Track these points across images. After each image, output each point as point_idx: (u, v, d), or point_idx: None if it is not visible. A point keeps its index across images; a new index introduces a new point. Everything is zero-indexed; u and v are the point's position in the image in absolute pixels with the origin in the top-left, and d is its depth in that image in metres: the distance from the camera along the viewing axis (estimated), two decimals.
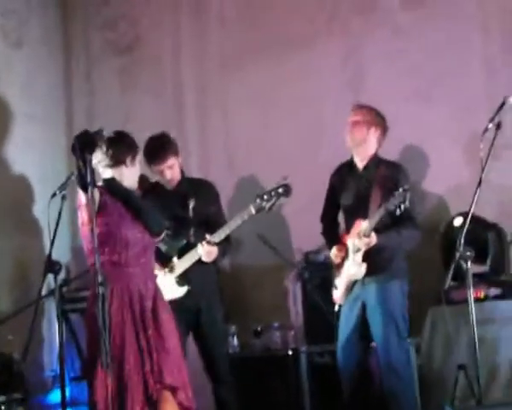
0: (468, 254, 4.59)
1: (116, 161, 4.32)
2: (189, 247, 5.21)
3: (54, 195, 5.01)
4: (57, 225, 4.88)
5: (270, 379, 5.76)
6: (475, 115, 5.53)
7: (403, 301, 5.07)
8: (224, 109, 6.81)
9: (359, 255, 4.97)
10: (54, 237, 4.91)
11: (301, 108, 6.44)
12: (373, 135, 5.19)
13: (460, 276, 4.81)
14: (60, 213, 4.86)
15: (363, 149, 5.21)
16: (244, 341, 5.99)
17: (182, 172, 5.42)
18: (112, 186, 4.30)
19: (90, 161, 3.90)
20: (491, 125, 4.69)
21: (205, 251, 5.11)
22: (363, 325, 5.08)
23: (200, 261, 5.18)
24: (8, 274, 6.30)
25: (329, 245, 5.31)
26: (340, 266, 5.14)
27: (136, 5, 7.12)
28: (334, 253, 5.17)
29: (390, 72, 6.24)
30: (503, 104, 4.73)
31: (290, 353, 5.78)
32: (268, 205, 5.06)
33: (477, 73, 6.01)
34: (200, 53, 6.93)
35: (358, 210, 5.06)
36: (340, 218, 5.43)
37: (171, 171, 5.27)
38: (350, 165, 5.28)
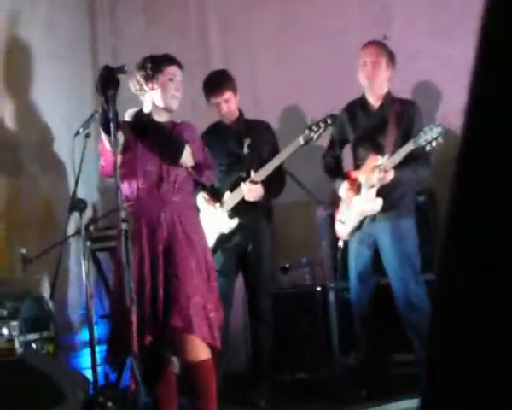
0: None
1: (140, 87, 4.22)
2: (241, 180, 5.26)
3: (77, 133, 5.05)
4: (81, 163, 4.92)
5: (299, 315, 5.77)
6: None
7: (416, 238, 5.06)
8: (249, 47, 6.76)
9: (373, 191, 4.93)
10: (78, 175, 4.97)
11: (325, 43, 6.36)
12: (386, 73, 5.15)
13: None
14: (83, 152, 4.89)
15: (378, 87, 5.17)
16: (273, 277, 5.94)
17: (240, 111, 5.50)
18: (133, 121, 4.21)
19: (113, 97, 3.83)
20: None
21: (247, 189, 5.13)
22: (374, 262, 5.10)
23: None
24: (36, 215, 6.27)
25: (335, 180, 5.30)
26: (348, 201, 5.12)
27: None
28: (345, 187, 5.13)
29: (418, 6, 6.14)
30: None
31: (318, 289, 5.76)
32: (316, 135, 5.06)
33: None
34: None
35: (372, 146, 5.06)
36: (344, 155, 5.45)
37: (227, 104, 5.34)
38: (362, 102, 5.24)
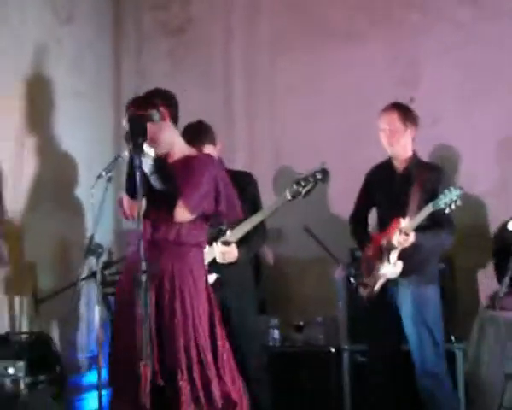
0: None
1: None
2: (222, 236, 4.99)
3: (100, 176, 4.94)
4: (101, 206, 4.81)
5: (311, 375, 5.68)
6: None
7: (439, 307, 4.99)
8: (272, 96, 6.75)
9: (395, 254, 4.85)
10: (97, 218, 4.86)
11: (349, 100, 6.35)
12: (407, 138, 5.06)
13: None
14: (104, 195, 4.76)
15: (401, 152, 5.07)
16: (286, 334, 5.92)
17: (221, 161, 5.13)
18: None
19: (141, 145, 3.74)
20: None
21: (218, 251, 4.84)
22: (395, 327, 4.99)
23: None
24: (50, 253, 6.22)
25: (360, 245, 5.25)
26: (369, 265, 5.04)
27: None
28: (369, 250, 5.09)
29: (444, 68, 6.13)
30: None
31: (333, 350, 5.71)
32: (304, 190, 4.79)
33: None
34: (250, 39, 6.87)
35: (396, 210, 4.92)
36: (371, 219, 5.35)
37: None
38: (387, 165, 5.15)
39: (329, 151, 5.98)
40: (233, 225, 4.81)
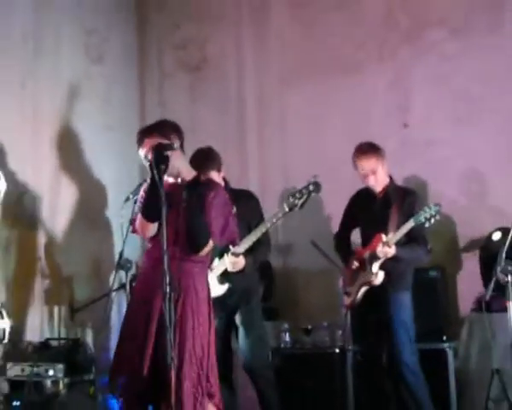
0: (510, 268, 4.57)
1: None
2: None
3: (127, 199, 5.04)
4: (129, 225, 4.73)
5: (318, 373, 5.67)
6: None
7: (412, 311, 5.00)
8: (281, 124, 6.76)
9: (377, 265, 4.91)
10: (126, 236, 4.86)
11: (350, 126, 6.33)
12: (384, 172, 5.13)
13: (499, 286, 4.75)
14: (132, 215, 4.82)
15: (379, 183, 5.12)
16: (296, 337, 5.92)
17: (225, 182, 5.17)
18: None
19: (163, 171, 3.73)
20: None
21: (229, 262, 4.87)
22: (376, 328, 5.04)
23: None
24: (84, 268, 6.30)
25: (344, 259, 5.29)
26: (353, 276, 5.09)
27: (204, 29, 7.06)
28: (353, 263, 5.13)
29: (435, 96, 6.14)
30: None
31: (337, 351, 5.71)
32: (300, 202, 4.80)
33: None
34: (260, 73, 6.89)
35: (377, 229, 4.97)
36: (354, 236, 5.36)
37: (217, 179, 5.03)
38: (369, 191, 5.17)
39: (337, 170, 6.01)
40: (240, 237, 4.78)
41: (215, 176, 4.98)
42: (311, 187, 4.80)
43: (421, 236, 4.94)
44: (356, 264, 5.11)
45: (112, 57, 6.89)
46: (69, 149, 6.31)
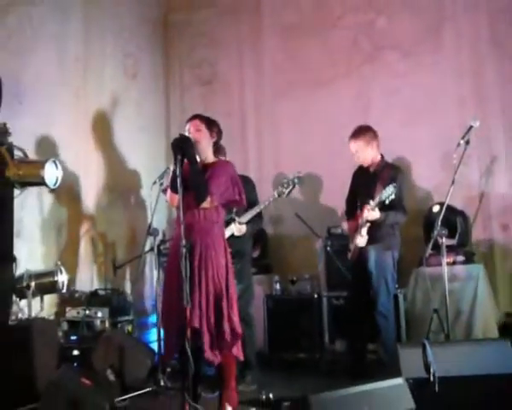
0: (444, 232, 4.57)
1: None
2: (232, 221, 5.00)
3: (154, 182, 5.07)
4: (156, 203, 4.95)
5: (301, 314, 5.69)
6: (449, 137, 5.36)
7: (392, 266, 4.88)
8: (274, 127, 6.74)
9: (365, 229, 4.82)
10: (154, 210, 4.99)
11: (326, 127, 6.33)
12: (373, 150, 4.98)
13: (436, 246, 4.84)
14: (158, 195, 4.91)
15: (370, 160, 5.01)
16: (284, 286, 5.90)
17: None
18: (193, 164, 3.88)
19: (181, 160, 3.72)
20: (462, 142, 4.63)
21: (236, 228, 4.91)
22: (364, 280, 4.94)
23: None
24: (124, 236, 6.34)
25: (347, 219, 5.20)
26: (353, 236, 5.01)
27: (214, 52, 7.04)
28: (345, 225, 5.12)
29: (389, 104, 6.16)
30: (470, 127, 4.68)
31: (316, 296, 5.72)
32: (287, 191, 4.83)
33: (452, 106, 5.90)
34: (257, 87, 6.86)
35: (368, 197, 4.89)
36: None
37: None
38: (365, 167, 5.08)
39: (316, 161, 6.10)
40: (240, 214, 4.88)
41: None
42: (295, 180, 4.82)
43: (399, 204, 4.81)
44: (354, 227, 5.01)
45: (143, 74, 6.88)
46: (111, 145, 6.32)
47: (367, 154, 4.98)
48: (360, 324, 4.99)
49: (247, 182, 5.16)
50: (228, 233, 4.91)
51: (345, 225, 5.15)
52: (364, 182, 5.02)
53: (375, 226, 4.82)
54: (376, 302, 4.85)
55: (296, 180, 4.83)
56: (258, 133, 6.76)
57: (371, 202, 4.75)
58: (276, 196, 4.86)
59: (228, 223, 4.92)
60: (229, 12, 6.96)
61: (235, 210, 4.92)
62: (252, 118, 6.84)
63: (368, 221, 4.80)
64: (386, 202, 4.65)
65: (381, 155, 5.04)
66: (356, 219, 5.01)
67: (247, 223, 4.93)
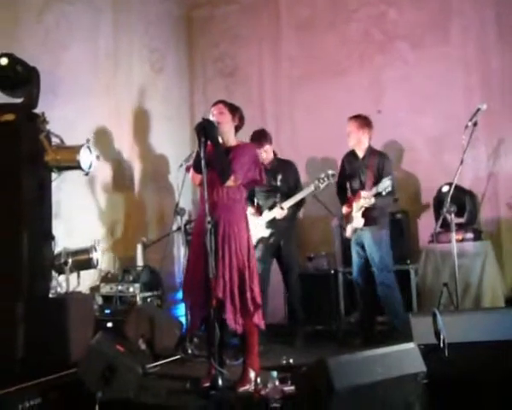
0: (452, 209, 4.57)
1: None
2: (275, 205, 5.13)
3: (181, 165, 5.11)
4: (182, 184, 4.99)
5: (318, 289, 5.70)
6: (456, 122, 5.33)
7: (388, 243, 4.95)
8: (291, 114, 6.70)
9: (360, 212, 4.90)
10: (180, 193, 5.03)
11: (340, 114, 6.03)
12: (364, 136, 5.02)
13: (446, 224, 4.87)
14: (184, 178, 4.94)
15: (360, 146, 5.06)
16: (303, 262, 5.86)
17: (275, 154, 5.33)
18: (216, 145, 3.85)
19: (205, 143, 3.71)
20: (470, 123, 4.61)
21: (278, 212, 5.05)
22: (365, 258, 5.01)
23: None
24: (153, 217, 6.38)
25: (341, 202, 5.20)
26: (347, 216, 5.05)
27: (235, 47, 7.03)
28: (344, 209, 5.11)
29: (400, 91, 6.11)
30: (478, 110, 4.65)
31: (332, 272, 5.74)
32: (322, 186, 5.00)
33: (459, 94, 5.83)
34: (275, 78, 6.83)
35: (358, 183, 5.00)
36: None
37: (266, 153, 5.20)
38: (353, 153, 5.14)
39: (330, 146, 6.01)
40: (283, 200, 5.05)
41: (268, 148, 5.19)
42: (330, 177, 4.99)
43: (390, 190, 4.83)
44: (347, 209, 5.06)
45: (169, 68, 6.90)
46: (141, 133, 6.36)
47: (358, 137, 5.03)
48: (367, 297, 5.04)
49: (290, 166, 5.35)
50: (271, 216, 5.08)
51: (344, 210, 5.15)
52: (354, 167, 5.08)
53: (369, 209, 4.87)
54: (378, 276, 4.90)
55: (330, 177, 4.99)
56: (276, 120, 6.71)
57: (367, 192, 4.82)
58: (313, 189, 5.02)
59: (271, 207, 5.10)
60: (249, 8, 6.94)
61: (278, 195, 5.09)
62: (270, 107, 6.80)
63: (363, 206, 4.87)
64: (383, 193, 4.76)
65: (369, 143, 5.07)
66: (349, 201, 5.06)
67: (289, 208, 5.07)
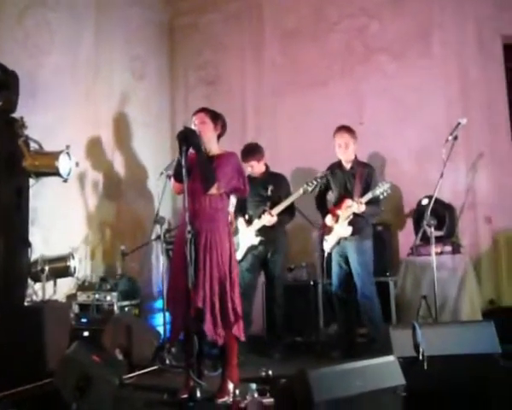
0: (432, 222, 4.58)
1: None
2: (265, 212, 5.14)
3: (161, 173, 5.06)
4: (163, 193, 4.93)
5: (298, 300, 5.69)
6: (437, 134, 5.37)
7: (371, 253, 4.96)
8: (273, 124, 6.70)
9: (347, 221, 4.89)
10: (160, 200, 4.98)
11: (322, 125, 6.18)
12: (352, 147, 5.03)
13: (425, 237, 4.86)
14: (164, 186, 4.89)
15: (348, 157, 5.05)
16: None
17: (266, 166, 5.37)
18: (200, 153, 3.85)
19: (186, 151, 3.68)
20: (450, 138, 4.63)
21: (267, 219, 5.08)
22: (346, 270, 4.99)
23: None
24: (131, 225, 6.34)
25: (323, 214, 5.16)
26: (330, 228, 5.02)
27: (217, 55, 7.04)
28: (329, 219, 5.05)
29: (380, 103, 6.13)
30: (458, 124, 4.68)
31: (311, 283, 5.74)
32: (311, 189, 5.01)
33: (440, 106, 5.87)
34: (257, 88, 6.83)
35: (345, 193, 4.99)
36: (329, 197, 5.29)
37: (257, 166, 5.25)
38: (339, 164, 5.13)
39: (312, 156, 6.00)
40: (275, 204, 5.08)
41: (255, 164, 5.20)
42: (318, 179, 5.03)
43: (378, 200, 4.86)
44: (332, 219, 5.02)
45: (150, 76, 6.89)
46: (121, 141, 6.33)
47: (351, 149, 5.03)
48: (348, 308, 5.01)
49: (281, 179, 5.40)
50: (261, 223, 5.09)
51: (329, 221, 5.08)
52: (338, 178, 5.08)
53: (354, 219, 4.87)
54: (361, 288, 4.87)
55: (319, 179, 5.02)
56: (258, 131, 6.71)
57: (359, 198, 4.81)
58: (302, 192, 5.04)
59: (261, 215, 5.11)
60: (232, 17, 6.95)
61: (268, 204, 5.11)
62: (252, 116, 6.81)
63: (354, 214, 4.84)
64: (381, 197, 4.77)
65: (355, 155, 5.09)
66: (332, 212, 5.03)
67: (278, 215, 5.08)
